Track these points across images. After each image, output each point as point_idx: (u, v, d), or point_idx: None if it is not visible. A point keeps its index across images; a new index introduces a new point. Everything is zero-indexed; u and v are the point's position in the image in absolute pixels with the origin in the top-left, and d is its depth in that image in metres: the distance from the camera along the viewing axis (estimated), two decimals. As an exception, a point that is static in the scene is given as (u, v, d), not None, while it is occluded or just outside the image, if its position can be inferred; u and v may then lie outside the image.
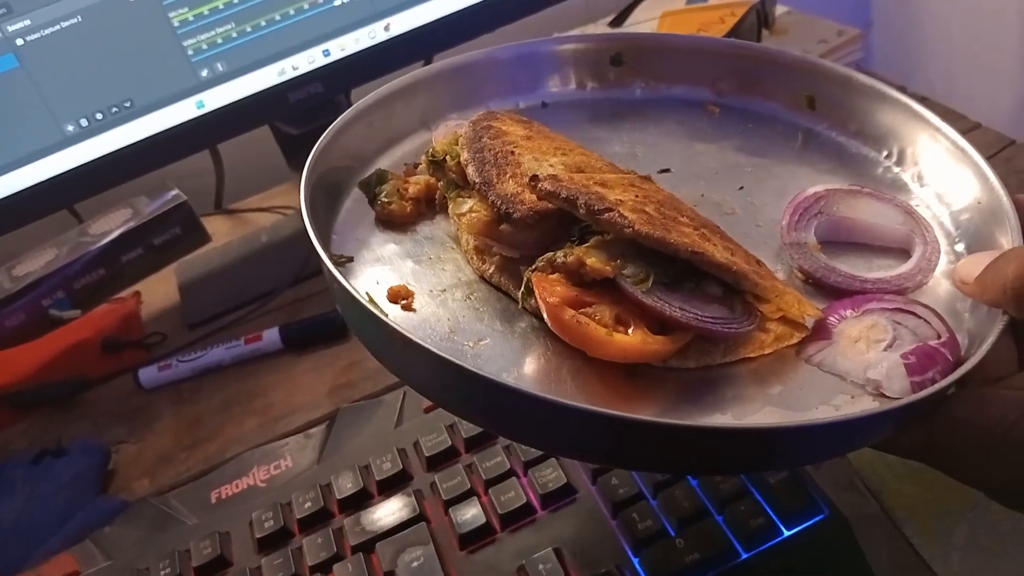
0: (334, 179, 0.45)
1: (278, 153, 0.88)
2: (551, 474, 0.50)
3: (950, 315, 0.38)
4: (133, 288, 0.82)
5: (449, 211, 0.43)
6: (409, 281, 0.40)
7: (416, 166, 0.47)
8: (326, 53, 0.76)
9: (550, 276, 0.36)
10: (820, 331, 0.38)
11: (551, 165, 0.41)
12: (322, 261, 0.37)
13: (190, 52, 0.72)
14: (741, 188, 0.46)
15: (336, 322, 0.73)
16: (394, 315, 0.38)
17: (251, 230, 0.90)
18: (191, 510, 0.56)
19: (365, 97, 0.48)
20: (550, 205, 0.37)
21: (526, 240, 0.39)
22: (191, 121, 0.73)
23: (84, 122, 0.70)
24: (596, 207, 0.35)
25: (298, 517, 0.52)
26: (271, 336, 0.73)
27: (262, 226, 0.89)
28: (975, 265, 0.36)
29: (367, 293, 0.39)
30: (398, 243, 0.43)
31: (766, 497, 0.47)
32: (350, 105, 0.49)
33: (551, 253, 0.36)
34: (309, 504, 0.52)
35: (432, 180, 0.45)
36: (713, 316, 0.35)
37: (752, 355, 0.37)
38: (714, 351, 0.36)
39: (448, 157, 0.44)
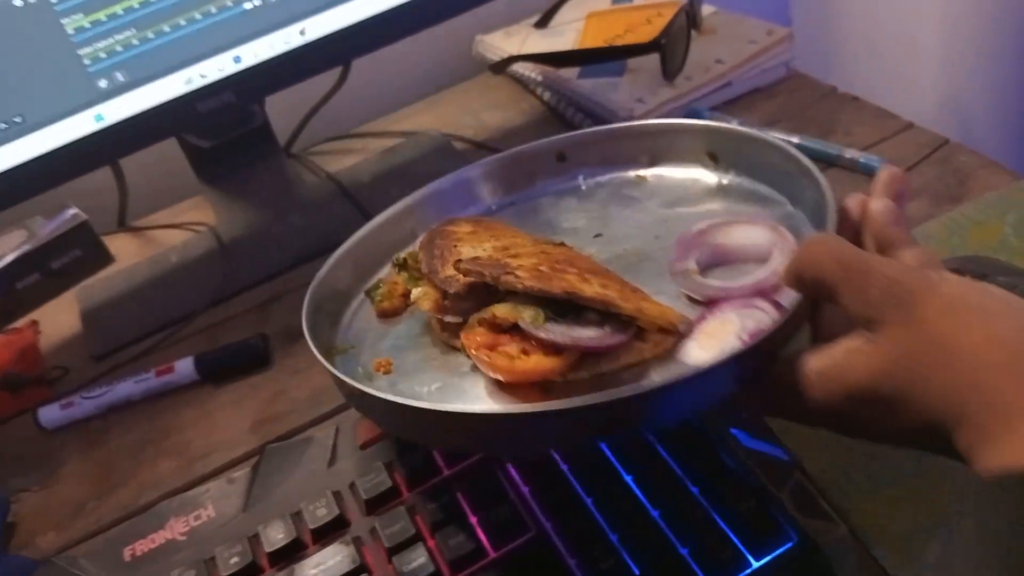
0: (342, 287, 0.59)
1: (186, 164, 0.83)
2: (504, 512, 0.46)
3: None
4: (30, 317, 0.76)
5: (411, 297, 0.55)
6: (393, 354, 0.52)
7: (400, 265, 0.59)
8: (237, 60, 0.71)
9: (476, 329, 0.47)
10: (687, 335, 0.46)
11: (484, 249, 0.52)
12: (314, 353, 0.50)
13: (87, 62, 0.66)
14: (657, 237, 0.55)
15: (257, 348, 0.68)
16: (378, 381, 0.51)
17: (159, 249, 0.83)
18: (103, 569, 0.51)
19: (356, 233, 0.62)
20: (472, 279, 0.48)
21: (465, 309, 0.49)
22: (89, 136, 0.67)
23: (-33, 140, 0.63)
24: (498, 273, 0.46)
25: (224, 574, 0.47)
26: (185, 367, 0.67)
27: (171, 245, 0.83)
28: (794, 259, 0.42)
29: (360, 368, 0.53)
30: (391, 327, 0.55)
31: (733, 527, 0.44)
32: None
33: (476, 315, 0.47)
34: (236, 559, 0.47)
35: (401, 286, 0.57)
36: (589, 336, 0.45)
37: (632, 361, 0.45)
38: (600, 362, 0.45)
39: (409, 259, 0.57)
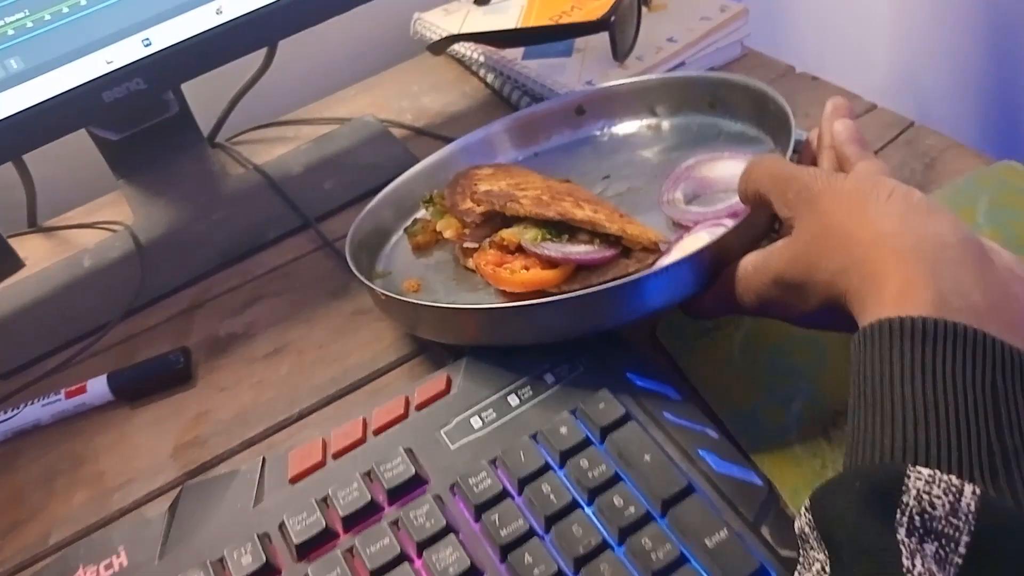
0: (384, 225, 0.67)
1: (100, 157, 0.76)
2: (451, 555, 0.41)
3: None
4: (-74, 332, 0.69)
5: (437, 228, 0.62)
6: (424, 276, 0.61)
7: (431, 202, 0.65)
8: (147, 43, 0.64)
9: (488, 251, 0.56)
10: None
11: (499, 186, 0.59)
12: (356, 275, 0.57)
13: (-29, 48, 0.59)
14: (656, 176, 0.62)
15: (177, 364, 0.61)
16: (411, 295, 0.59)
17: (72, 251, 0.76)
18: (1, 628, 0.45)
19: (398, 178, 0.68)
20: (485, 208, 0.57)
21: (481, 235, 0.57)
22: (-19, 131, 0.60)
23: None
24: (503, 201, 0.55)
25: (137, 635, 0.41)
26: (98, 386, 0.61)
27: (85, 247, 0.76)
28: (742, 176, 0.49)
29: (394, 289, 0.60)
30: (423, 259, 0.63)
31: (705, 564, 0.40)
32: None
33: (488, 239, 0.56)
34: (150, 618, 0.42)
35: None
36: (579, 252, 0.53)
37: (619, 275, 0.52)
38: (591, 276, 0.53)
39: (435, 196, 0.64)
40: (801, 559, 0.34)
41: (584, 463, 0.43)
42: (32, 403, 0.61)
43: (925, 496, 0.30)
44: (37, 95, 0.62)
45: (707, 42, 0.79)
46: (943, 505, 0.30)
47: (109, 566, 0.46)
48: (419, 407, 0.49)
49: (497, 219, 0.56)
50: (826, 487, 0.33)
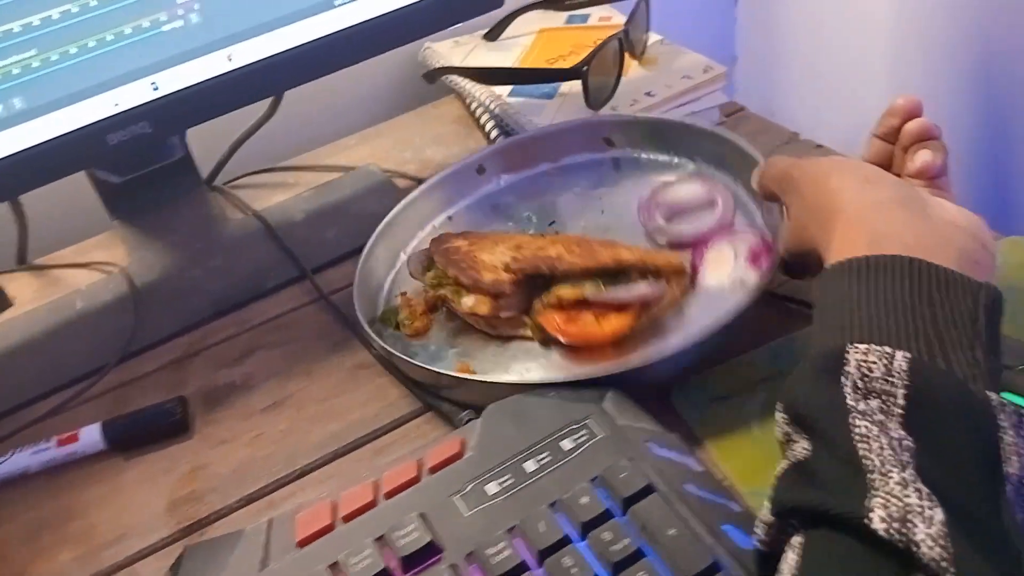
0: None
1: (95, 195, 0.74)
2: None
3: (769, 228, 0.62)
4: (-91, 372, 0.66)
5: (455, 307, 0.61)
6: (453, 348, 0.62)
7: (404, 294, 0.66)
8: (155, 87, 0.63)
9: (548, 312, 0.58)
10: (696, 270, 0.61)
11: (501, 252, 0.62)
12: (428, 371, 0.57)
13: (-23, 86, 0.58)
14: (603, 212, 0.70)
15: (174, 414, 0.60)
16: (492, 375, 0.59)
17: (64, 292, 0.75)
18: None
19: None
20: (517, 276, 0.59)
21: (512, 303, 0.59)
22: (-18, 170, 0.59)
23: None
24: (551, 265, 0.58)
25: None
26: (90, 435, 0.59)
27: (77, 288, 0.75)
28: (753, 177, 0.57)
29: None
30: (432, 342, 0.63)
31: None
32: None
33: (538, 301, 0.59)
34: None
35: (429, 295, 0.64)
36: (641, 291, 0.57)
37: (670, 302, 0.59)
38: (652, 310, 0.58)
39: (435, 279, 0.63)
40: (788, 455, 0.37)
41: (607, 536, 0.41)
42: (21, 450, 0.59)
43: (863, 364, 0.35)
44: (39, 135, 0.61)
45: (682, 99, 0.79)
46: (879, 369, 0.35)
47: (104, 631, 0.44)
48: (432, 470, 0.48)
49: (527, 284, 0.59)
50: (787, 383, 0.38)
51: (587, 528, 0.42)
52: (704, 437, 0.52)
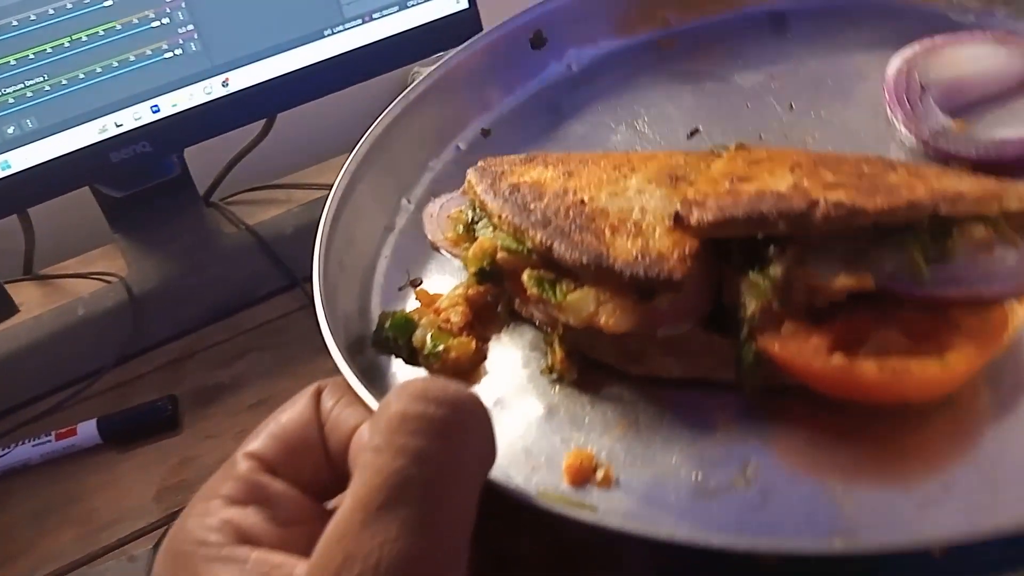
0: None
1: (98, 210, 0.79)
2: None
3: None
4: (-79, 372, 0.71)
5: (552, 316, 0.30)
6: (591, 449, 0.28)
7: (417, 284, 0.36)
8: (155, 109, 0.69)
9: (787, 334, 0.26)
10: None
11: (639, 192, 0.30)
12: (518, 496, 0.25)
13: (-7, 107, 0.63)
14: (791, 108, 0.39)
15: (165, 411, 0.65)
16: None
17: (67, 300, 0.80)
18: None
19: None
20: (705, 245, 0.27)
21: (688, 305, 0.28)
22: (-5, 184, 0.64)
23: None
24: (794, 208, 0.26)
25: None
26: (87, 431, 0.64)
27: (80, 296, 0.80)
28: None
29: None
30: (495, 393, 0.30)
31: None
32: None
33: (754, 305, 0.27)
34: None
35: (473, 292, 0.33)
36: (1008, 269, 0.26)
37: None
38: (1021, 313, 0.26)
39: (499, 253, 0.32)
40: None
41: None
42: (23, 443, 0.63)
43: None
44: (49, 152, 0.66)
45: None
46: None
47: (96, 599, 0.48)
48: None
49: (702, 264, 0.28)
50: None
51: None
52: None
